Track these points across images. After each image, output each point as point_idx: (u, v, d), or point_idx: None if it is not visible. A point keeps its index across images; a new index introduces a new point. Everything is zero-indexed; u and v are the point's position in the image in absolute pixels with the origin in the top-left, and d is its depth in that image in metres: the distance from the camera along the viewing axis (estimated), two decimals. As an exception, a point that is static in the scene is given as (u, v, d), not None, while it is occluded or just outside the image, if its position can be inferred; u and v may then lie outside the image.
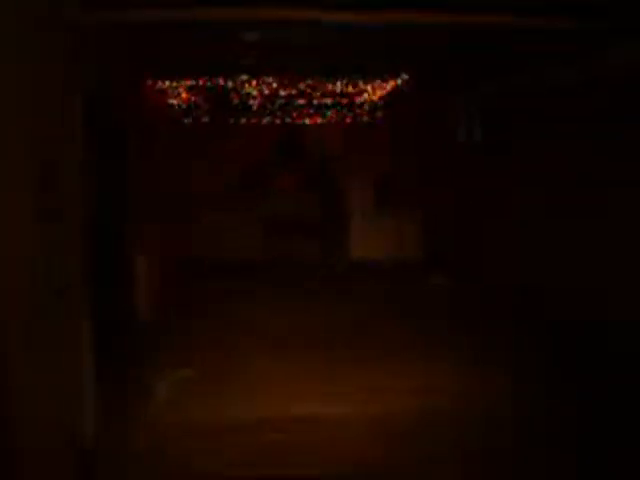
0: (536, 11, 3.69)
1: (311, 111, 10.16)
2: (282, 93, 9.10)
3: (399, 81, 8.59)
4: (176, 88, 8.55)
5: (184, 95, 8.96)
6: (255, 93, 8.99)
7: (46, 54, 3.54)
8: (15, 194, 3.04)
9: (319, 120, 10.55)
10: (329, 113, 10.24)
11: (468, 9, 3.69)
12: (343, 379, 5.33)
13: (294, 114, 10.33)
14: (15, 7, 3.08)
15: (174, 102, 9.29)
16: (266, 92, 9.00)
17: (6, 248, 2.91)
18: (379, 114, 10.38)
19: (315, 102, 9.60)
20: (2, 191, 2.87)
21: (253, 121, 10.56)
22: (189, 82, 8.31)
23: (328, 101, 9.58)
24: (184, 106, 9.58)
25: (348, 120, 10.52)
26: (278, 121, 10.61)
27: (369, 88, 8.99)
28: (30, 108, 3.25)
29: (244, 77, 8.36)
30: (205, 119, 10.34)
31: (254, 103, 9.51)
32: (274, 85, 8.72)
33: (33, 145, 3.27)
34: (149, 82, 8.11)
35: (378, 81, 8.72)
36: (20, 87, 3.12)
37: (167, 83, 8.28)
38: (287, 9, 3.84)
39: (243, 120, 10.49)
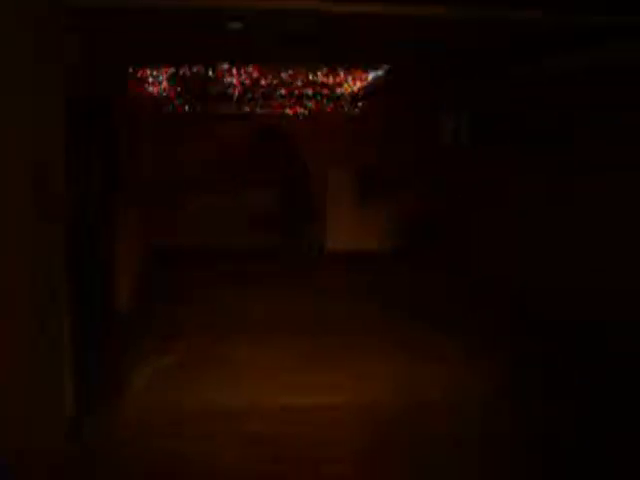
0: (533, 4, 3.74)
1: (292, 101, 10.11)
2: (263, 82, 9.05)
3: (380, 72, 8.62)
4: (157, 77, 8.45)
5: (165, 84, 8.86)
6: (235, 82, 8.92)
7: (37, 51, 3.49)
8: (9, 193, 3.02)
9: (300, 110, 10.51)
10: (310, 104, 10.21)
11: (465, 2, 3.72)
12: (326, 368, 5.39)
13: (275, 104, 10.27)
14: (8, 8, 3.05)
15: (154, 90, 9.17)
16: (247, 82, 8.95)
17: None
18: (360, 105, 10.38)
19: (296, 92, 9.57)
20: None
21: (233, 110, 10.47)
22: (170, 70, 8.23)
23: (309, 91, 9.56)
24: (165, 94, 9.46)
25: (329, 110, 10.49)
26: (258, 110, 10.54)
27: (350, 79, 9.00)
28: (20, 106, 3.21)
29: (225, 66, 8.30)
30: (185, 108, 10.24)
31: (234, 92, 9.44)
32: (255, 74, 8.67)
33: (26, 144, 3.24)
34: (131, 70, 8.02)
35: (359, 72, 8.74)
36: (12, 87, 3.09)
37: (148, 71, 8.18)
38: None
39: (223, 109, 10.39)
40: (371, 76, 8.89)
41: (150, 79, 8.57)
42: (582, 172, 6.51)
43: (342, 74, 8.83)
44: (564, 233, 6.83)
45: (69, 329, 4.10)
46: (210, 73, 8.50)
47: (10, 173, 3.00)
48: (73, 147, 4.21)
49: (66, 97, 3.93)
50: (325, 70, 8.65)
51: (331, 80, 8.95)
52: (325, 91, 9.53)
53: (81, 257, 4.80)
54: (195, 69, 8.30)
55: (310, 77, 8.78)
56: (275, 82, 8.98)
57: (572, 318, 6.37)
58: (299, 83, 9.04)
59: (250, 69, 8.49)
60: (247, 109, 10.46)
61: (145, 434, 4.18)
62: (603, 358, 5.59)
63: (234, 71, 8.46)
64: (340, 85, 9.30)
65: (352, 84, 9.19)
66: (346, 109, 10.60)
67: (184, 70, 8.35)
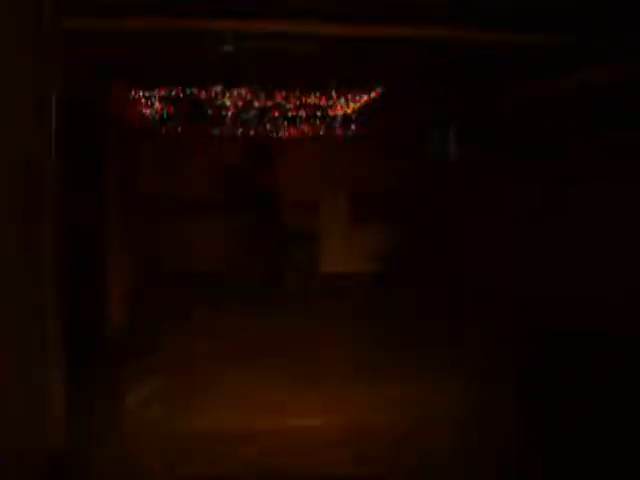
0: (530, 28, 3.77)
1: (285, 123, 10.13)
2: (256, 104, 9.06)
3: (373, 95, 8.66)
4: (150, 97, 8.45)
5: (159, 105, 8.86)
6: (229, 104, 8.93)
7: (30, 59, 3.49)
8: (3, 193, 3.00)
9: (293, 132, 10.52)
10: (303, 126, 10.23)
11: (465, 24, 3.75)
12: (320, 392, 5.32)
13: (268, 126, 10.28)
14: (8, 9, 3.04)
15: (149, 111, 9.17)
16: (240, 103, 8.96)
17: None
18: (353, 127, 10.41)
19: (289, 114, 9.59)
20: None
21: (226, 132, 10.47)
22: (164, 92, 8.23)
23: (302, 113, 9.58)
24: (158, 115, 9.45)
25: (322, 133, 10.51)
26: (252, 132, 10.54)
27: (343, 101, 9.03)
28: (11, 110, 3.20)
29: (218, 88, 8.31)
30: (179, 129, 10.22)
31: (228, 114, 9.45)
32: (248, 96, 8.68)
33: (15, 147, 3.23)
34: (126, 91, 8.03)
35: (353, 94, 8.77)
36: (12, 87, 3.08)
37: (142, 92, 8.19)
38: (284, 21, 3.83)
39: (216, 131, 10.39)
40: (365, 98, 8.93)
41: (144, 100, 8.56)
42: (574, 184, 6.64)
43: (335, 96, 8.86)
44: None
45: (59, 336, 4.05)
46: (203, 95, 8.51)
47: (6, 173, 2.97)
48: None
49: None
50: (319, 92, 8.68)
51: (325, 102, 8.97)
52: (318, 113, 9.56)
53: (73, 268, 4.75)
54: (188, 91, 8.31)
55: (304, 99, 8.80)
56: (269, 104, 9.00)
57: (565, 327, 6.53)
58: (292, 105, 9.06)
59: (243, 91, 8.50)
60: (240, 130, 10.46)
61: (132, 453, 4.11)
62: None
63: (227, 93, 8.47)
64: (334, 107, 9.33)
65: (346, 106, 9.22)
66: (340, 131, 10.63)
67: (178, 91, 8.36)
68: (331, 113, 9.70)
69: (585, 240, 6.45)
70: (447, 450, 4.16)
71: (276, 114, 9.54)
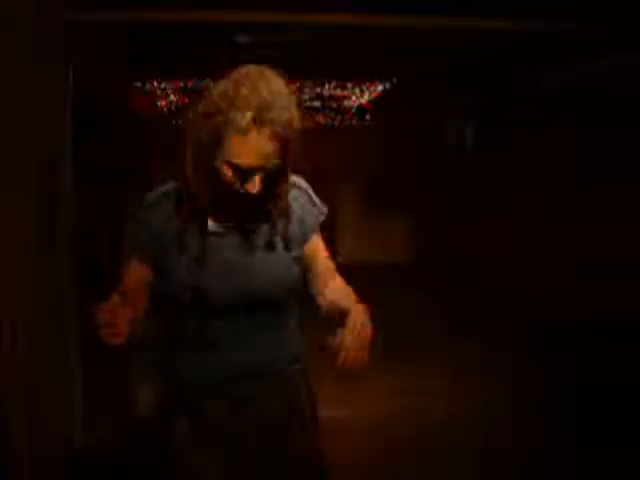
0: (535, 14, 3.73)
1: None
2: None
3: (388, 84, 8.64)
4: (165, 90, 8.50)
5: (173, 97, 8.91)
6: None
7: (44, 54, 3.52)
8: (14, 195, 3.03)
9: (308, 123, 10.53)
10: (317, 116, 10.22)
11: (467, 13, 3.72)
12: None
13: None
14: (14, 9, 3.07)
15: (162, 103, 9.24)
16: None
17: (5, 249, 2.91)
18: (368, 117, 10.37)
19: (305, 104, 9.59)
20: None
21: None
22: (178, 84, 8.28)
23: (316, 104, 9.57)
24: (173, 107, 9.52)
25: (336, 123, 10.50)
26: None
27: (358, 91, 9.01)
28: (27, 107, 3.23)
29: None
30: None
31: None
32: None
33: (31, 146, 3.26)
34: (139, 83, 8.09)
35: (367, 84, 8.75)
36: (19, 87, 3.11)
37: (156, 84, 8.24)
38: (285, 12, 3.84)
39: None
40: (379, 88, 8.90)
41: (158, 92, 8.62)
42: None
43: (350, 86, 8.85)
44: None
45: (76, 331, 4.11)
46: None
47: (14, 173, 3.00)
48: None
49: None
50: (333, 83, 8.66)
51: (339, 92, 8.96)
52: (332, 104, 9.55)
53: (89, 268, 4.82)
54: (203, 83, 8.34)
55: (318, 90, 8.79)
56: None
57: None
58: (306, 96, 9.05)
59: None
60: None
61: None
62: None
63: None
64: (348, 97, 9.31)
65: (360, 96, 9.19)
66: (354, 121, 10.60)
67: (192, 84, 8.40)
68: (346, 103, 9.68)
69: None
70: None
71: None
